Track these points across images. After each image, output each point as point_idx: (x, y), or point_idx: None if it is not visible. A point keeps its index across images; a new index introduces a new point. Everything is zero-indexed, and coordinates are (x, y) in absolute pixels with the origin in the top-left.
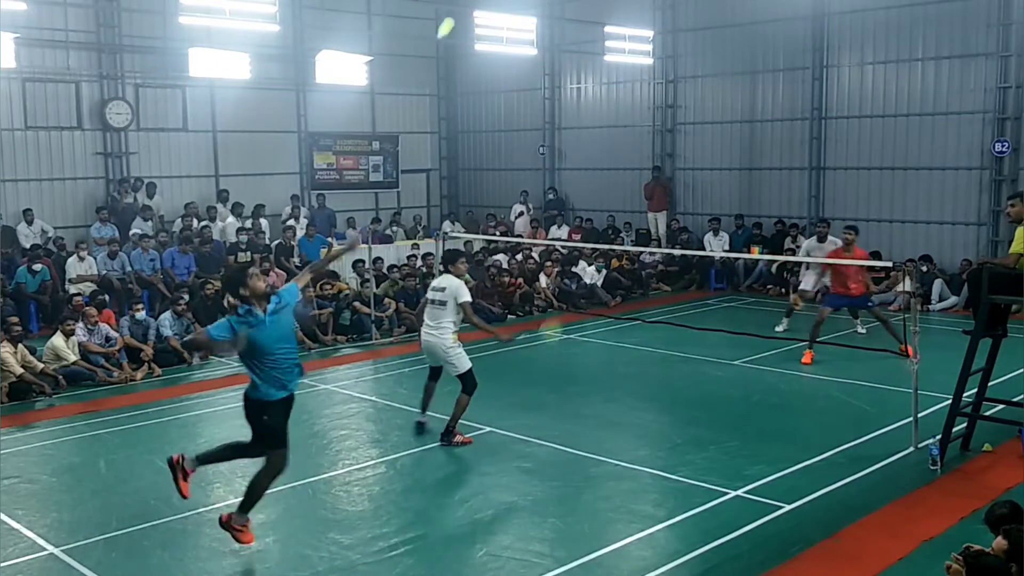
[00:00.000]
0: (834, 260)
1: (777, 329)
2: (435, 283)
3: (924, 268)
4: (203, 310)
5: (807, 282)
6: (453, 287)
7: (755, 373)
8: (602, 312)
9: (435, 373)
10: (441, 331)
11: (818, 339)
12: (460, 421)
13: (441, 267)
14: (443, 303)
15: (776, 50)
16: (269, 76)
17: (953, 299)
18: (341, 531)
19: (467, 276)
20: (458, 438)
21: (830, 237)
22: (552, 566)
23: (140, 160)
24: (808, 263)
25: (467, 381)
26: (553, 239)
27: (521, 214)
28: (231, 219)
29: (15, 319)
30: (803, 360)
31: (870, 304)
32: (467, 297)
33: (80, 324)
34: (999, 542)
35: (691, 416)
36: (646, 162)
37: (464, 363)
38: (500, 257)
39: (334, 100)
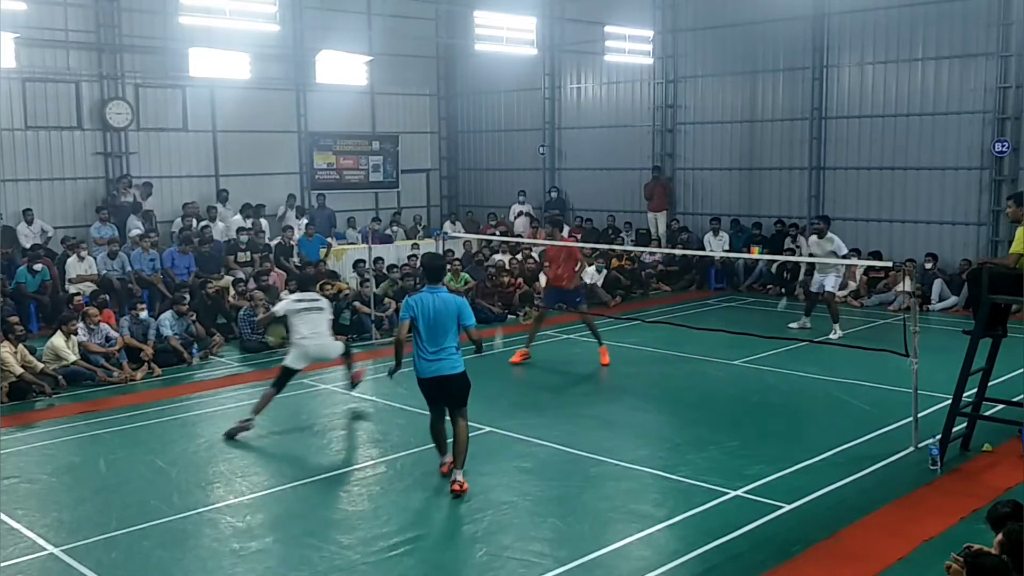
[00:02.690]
0: (846, 261)
1: (792, 326)
2: (303, 295)
3: (928, 265)
4: (203, 310)
5: (829, 282)
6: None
7: (755, 373)
8: (602, 312)
9: (437, 413)
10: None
11: (818, 339)
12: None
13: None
14: (320, 309)
15: (776, 50)
16: (269, 76)
17: (953, 299)
18: (341, 531)
19: (467, 276)
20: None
21: (829, 234)
22: (552, 566)
23: (140, 160)
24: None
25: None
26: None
27: (520, 214)
28: (238, 217)
29: (15, 319)
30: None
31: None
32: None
33: (81, 324)
34: (999, 541)
35: (691, 416)
36: (646, 162)
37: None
38: (497, 257)
39: (334, 100)
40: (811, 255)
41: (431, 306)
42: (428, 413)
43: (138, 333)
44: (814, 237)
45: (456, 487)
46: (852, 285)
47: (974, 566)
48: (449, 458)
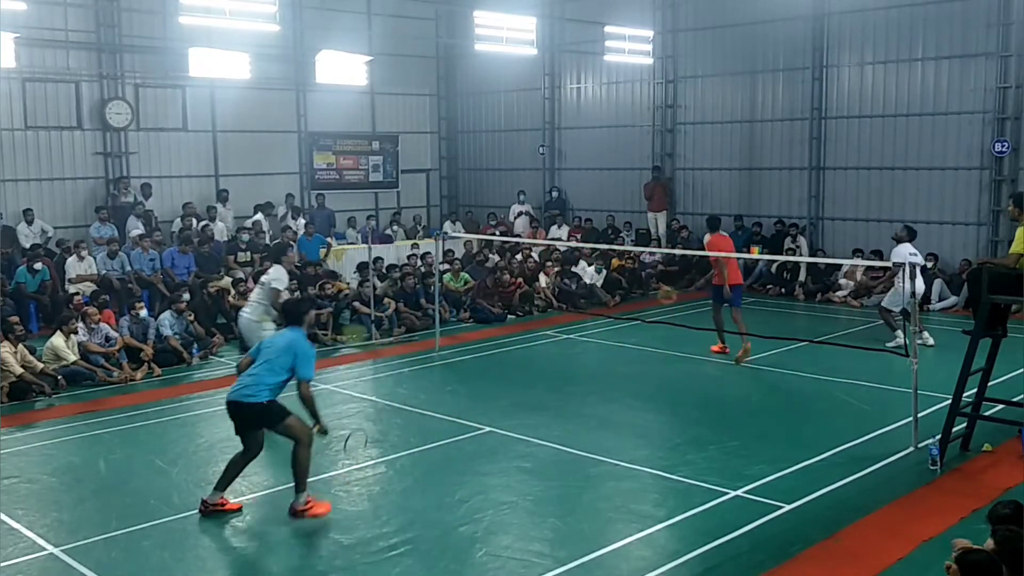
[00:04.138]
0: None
1: (889, 345)
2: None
3: (929, 264)
4: (203, 310)
5: (886, 297)
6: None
7: (755, 373)
8: (602, 312)
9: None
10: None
11: (818, 339)
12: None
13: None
14: (262, 284)
15: (776, 50)
16: (269, 76)
17: (953, 299)
18: (341, 531)
19: (467, 276)
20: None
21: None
22: (552, 566)
23: (140, 160)
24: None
25: None
26: (553, 239)
27: (520, 214)
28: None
29: (15, 319)
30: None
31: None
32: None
33: (80, 324)
34: (988, 544)
35: (691, 416)
36: (646, 162)
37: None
38: (495, 257)
39: (334, 100)
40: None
41: (274, 341)
42: (429, 413)
43: (138, 333)
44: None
45: (292, 513)
46: (850, 284)
47: (964, 562)
48: (218, 497)
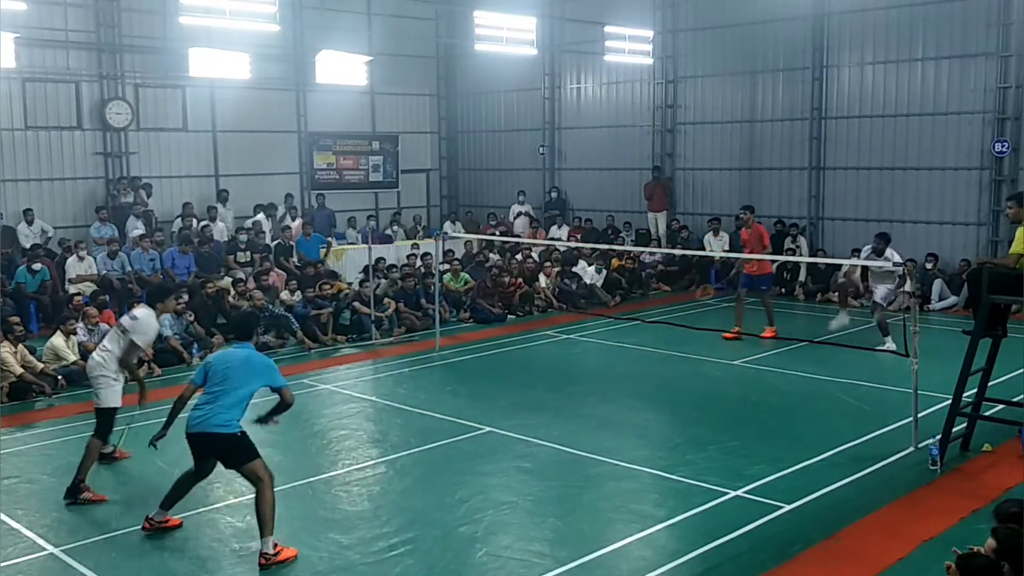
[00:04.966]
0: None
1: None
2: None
3: (928, 265)
4: (203, 310)
5: (879, 293)
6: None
7: (755, 373)
8: (602, 312)
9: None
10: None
11: (818, 339)
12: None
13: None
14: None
15: (776, 50)
16: (269, 76)
17: (953, 299)
18: (341, 531)
19: (467, 276)
20: (86, 495)
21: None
22: (552, 566)
23: (140, 160)
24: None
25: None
26: (553, 239)
27: (519, 215)
28: (260, 216)
29: (15, 319)
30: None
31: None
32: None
33: (80, 324)
34: (989, 543)
35: (691, 416)
36: (646, 162)
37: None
38: (494, 257)
39: (334, 100)
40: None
41: (226, 360)
42: (429, 413)
43: None
44: (873, 255)
45: (262, 560)
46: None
47: (965, 567)
48: (164, 516)
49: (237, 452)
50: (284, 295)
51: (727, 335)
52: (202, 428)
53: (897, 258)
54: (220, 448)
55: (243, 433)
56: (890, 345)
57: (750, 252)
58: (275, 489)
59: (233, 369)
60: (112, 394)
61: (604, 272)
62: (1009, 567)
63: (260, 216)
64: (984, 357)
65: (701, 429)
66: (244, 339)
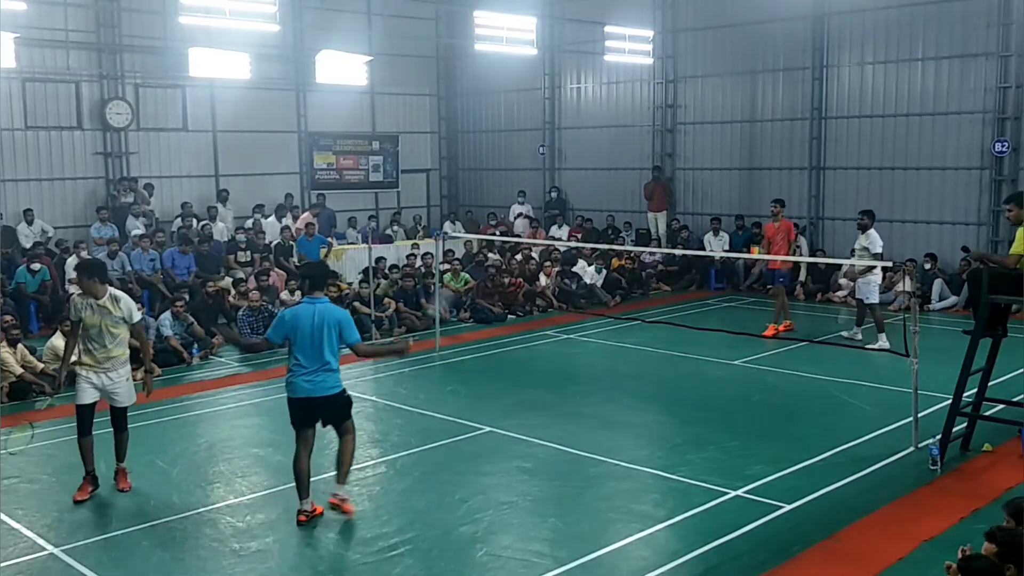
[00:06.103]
0: (852, 262)
1: (844, 333)
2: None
3: (927, 265)
4: (203, 310)
5: (869, 293)
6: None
7: (755, 373)
8: (602, 312)
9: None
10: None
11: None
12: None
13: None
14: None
15: (776, 50)
16: (269, 76)
17: (953, 299)
18: (341, 531)
19: (467, 276)
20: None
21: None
22: (552, 566)
23: (140, 160)
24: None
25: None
26: (553, 239)
27: (520, 215)
28: (271, 219)
29: (14, 319)
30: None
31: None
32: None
33: None
34: (988, 547)
35: (691, 416)
36: (646, 162)
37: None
38: (494, 257)
39: (334, 100)
40: (852, 251)
41: (309, 319)
42: (429, 413)
43: None
44: (859, 232)
45: (335, 500)
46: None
47: (967, 568)
48: (309, 505)
49: (345, 408)
50: (284, 295)
51: (769, 332)
52: (317, 392)
53: (879, 244)
54: (331, 408)
55: (345, 390)
56: (883, 343)
57: (775, 247)
58: (275, 490)
59: (317, 328)
60: (130, 390)
61: (604, 272)
62: (1015, 569)
63: (272, 218)
64: (984, 357)
65: (701, 429)
66: (317, 290)
